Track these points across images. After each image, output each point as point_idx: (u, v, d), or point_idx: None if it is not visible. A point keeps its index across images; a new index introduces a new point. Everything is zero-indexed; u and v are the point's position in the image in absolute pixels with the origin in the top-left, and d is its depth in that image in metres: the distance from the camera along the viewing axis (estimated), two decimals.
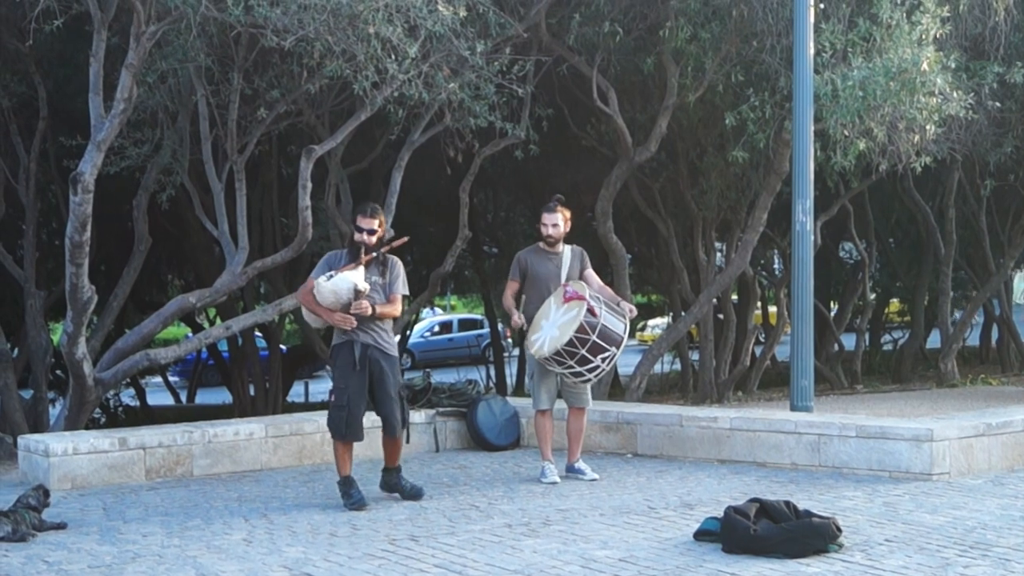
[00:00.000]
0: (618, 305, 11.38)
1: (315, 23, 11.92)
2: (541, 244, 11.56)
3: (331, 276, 10.23)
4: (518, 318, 11.50)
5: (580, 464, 11.55)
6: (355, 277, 10.20)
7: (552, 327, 11.05)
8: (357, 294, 10.17)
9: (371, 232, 10.35)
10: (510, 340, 30.81)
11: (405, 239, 11.23)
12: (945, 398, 17.71)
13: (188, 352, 14.96)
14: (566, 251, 11.54)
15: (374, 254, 10.35)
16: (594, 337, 10.90)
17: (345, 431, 10.36)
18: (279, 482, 11.64)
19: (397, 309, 10.58)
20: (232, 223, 14.49)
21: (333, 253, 10.76)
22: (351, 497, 10.28)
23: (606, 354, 11.03)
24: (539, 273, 11.41)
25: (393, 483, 10.61)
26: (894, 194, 22.84)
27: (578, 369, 11.05)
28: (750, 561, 8.18)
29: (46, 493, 9.94)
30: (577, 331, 10.85)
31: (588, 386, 11.54)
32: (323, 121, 15.86)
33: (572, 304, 11.11)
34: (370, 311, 10.20)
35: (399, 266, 10.58)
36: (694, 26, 14.62)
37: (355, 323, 10.23)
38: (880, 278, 28.33)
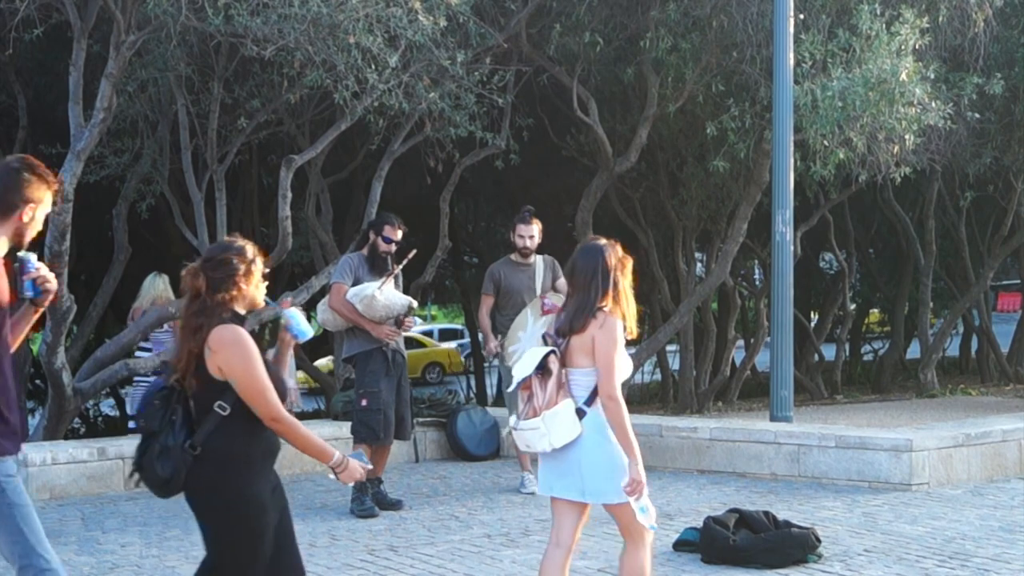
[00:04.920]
0: None
1: (295, 33, 11.92)
2: (513, 256, 11.57)
3: (369, 287, 10.30)
4: (494, 346, 11.50)
5: None
6: (396, 292, 10.45)
7: (531, 339, 11.04)
8: (410, 310, 10.48)
9: (396, 243, 10.57)
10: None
11: (415, 252, 11.35)
12: (925, 408, 17.74)
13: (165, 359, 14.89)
14: (538, 261, 11.57)
15: (400, 266, 10.55)
16: None
17: (383, 435, 10.46)
18: None
19: None
20: (212, 233, 14.47)
21: (350, 257, 10.80)
22: (364, 504, 10.30)
23: None
24: (513, 285, 11.42)
25: (374, 493, 10.61)
26: (874, 204, 22.89)
27: None
28: (729, 571, 8.19)
29: None
30: None
31: None
32: (303, 131, 15.86)
33: (551, 316, 11.09)
34: (413, 326, 10.60)
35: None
36: (674, 37, 14.63)
37: (401, 336, 10.57)
38: (860, 288, 28.37)
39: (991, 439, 11.77)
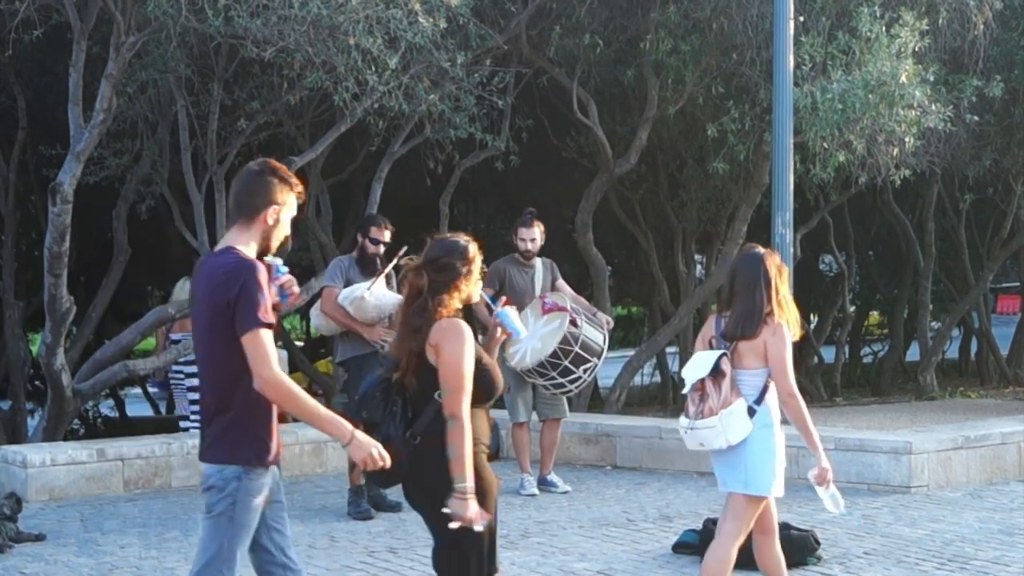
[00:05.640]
0: (595, 316, 11.41)
1: (295, 34, 11.91)
2: (517, 256, 11.57)
3: (358, 289, 10.24)
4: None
5: (552, 476, 11.56)
6: (388, 291, 10.35)
7: (533, 339, 11.05)
8: None
9: (384, 244, 10.52)
10: None
11: (405, 249, 11.33)
12: (924, 411, 17.73)
13: (167, 363, 14.91)
14: (538, 264, 11.59)
15: (391, 266, 10.48)
16: (576, 348, 10.92)
17: None
18: None
19: None
20: (212, 234, 14.46)
21: (340, 260, 10.79)
22: (360, 507, 10.29)
23: (587, 365, 11.05)
24: (516, 285, 11.43)
25: (372, 495, 10.60)
26: (874, 207, 22.87)
27: (560, 380, 11.06)
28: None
29: (18, 501, 9.91)
30: (561, 342, 10.87)
31: (564, 398, 11.56)
32: (303, 132, 15.85)
33: (553, 315, 11.11)
34: None
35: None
36: (674, 39, 14.63)
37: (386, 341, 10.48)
38: (860, 290, 28.35)
39: (990, 442, 11.78)
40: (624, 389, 17.34)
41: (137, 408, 31.17)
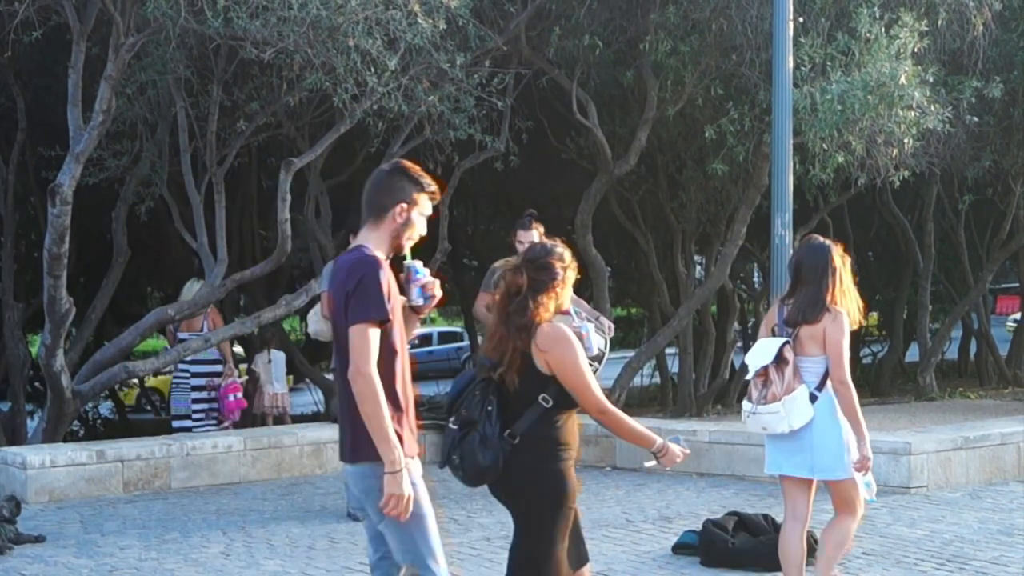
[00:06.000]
0: (597, 320, 11.39)
1: (295, 35, 11.91)
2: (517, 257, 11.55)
3: None
4: None
5: None
6: None
7: None
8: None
9: None
10: None
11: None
12: (923, 411, 17.74)
13: (166, 364, 14.92)
14: None
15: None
16: None
17: None
18: (257, 495, 11.62)
19: None
20: (211, 235, 14.47)
21: (331, 263, 10.66)
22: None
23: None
24: None
25: None
26: (873, 208, 22.88)
27: None
28: (728, 574, 8.20)
29: (18, 504, 9.91)
30: None
31: None
32: (303, 133, 15.85)
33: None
34: None
35: None
36: (674, 40, 14.63)
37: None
38: (859, 291, 28.35)
39: (990, 442, 11.78)
40: (624, 390, 17.34)
41: (137, 409, 31.20)
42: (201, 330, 14.94)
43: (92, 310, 16.59)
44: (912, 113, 13.59)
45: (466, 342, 31.08)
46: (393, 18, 12.13)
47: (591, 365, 11.02)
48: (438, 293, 5.67)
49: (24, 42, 12.80)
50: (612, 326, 11.66)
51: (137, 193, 15.68)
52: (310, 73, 12.66)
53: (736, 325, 22.48)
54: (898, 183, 15.49)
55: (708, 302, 20.22)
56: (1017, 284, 29.31)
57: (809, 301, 6.98)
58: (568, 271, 5.94)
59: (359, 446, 5.34)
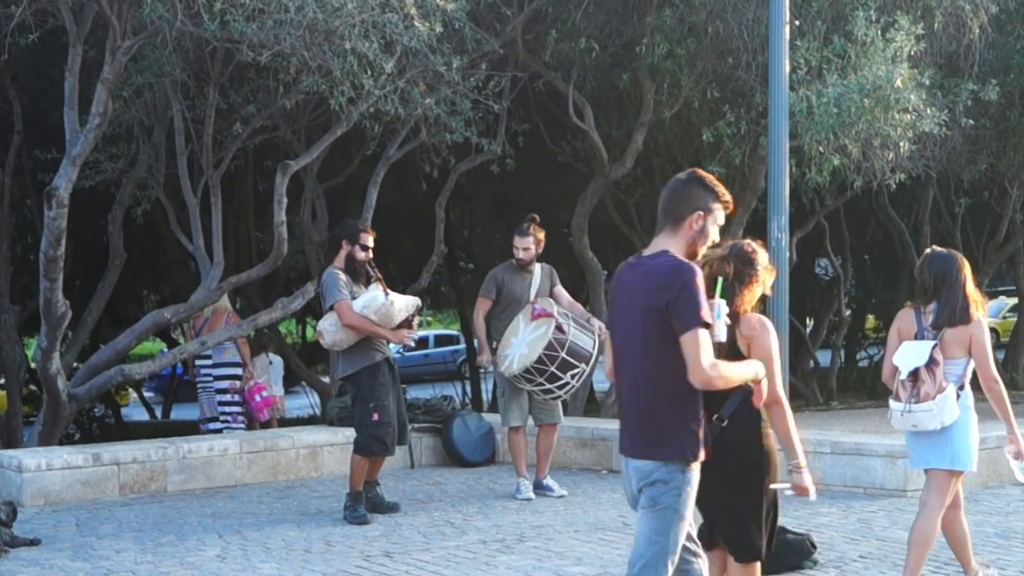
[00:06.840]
0: (588, 322, 11.40)
1: (291, 38, 11.91)
2: (514, 262, 11.58)
3: (377, 298, 10.27)
4: (487, 358, 11.57)
5: (548, 480, 11.56)
6: (398, 294, 10.52)
7: (521, 344, 11.07)
8: (418, 310, 10.73)
9: (371, 249, 10.57)
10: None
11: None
12: None
13: (163, 367, 14.93)
14: (537, 269, 11.58)
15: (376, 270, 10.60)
16: (563, 354, 10.92)
17: (391, 447, 10.53)
18: (253, 498, 11.61)
19: None
20: (207, 238, 14.46)
21: (336, 272, 10.38)
22: (356, 511, 10.28)
23: (575, 371, 11.05)
24: (514, 292, 11.44)
25: (370, 497, 10.60)
26: (869, 211, 22.90)
27: (548, 386, 11.07)
28: None
29: (14, 509, 9.90)
30: (546, 348, 10.88)
31: (559, 403, 11.55)
32: (299, 136, 15.84)
33: (540, 321, 11.12)
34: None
35: None
36: (670, 43, 14.63)
37: (414, 339, 10.74)
38: (856, 294, 28.38)
39: (986, 445, 11.69)
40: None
41: (133, 412, 31.24)
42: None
43: (88, 313, 16.58)
44: (908, 116, 13.60)
45: (462, 345, 31.05)
46: (389, 21, 12.13)
47: (580, 366, 11.08)
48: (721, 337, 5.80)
49: (20, 45, 12.79)
50: (603, 327, 11.66)
51: (133, 196, 15.68)
52: (306, 76, 12.66)
53: None
54: (894, 186, 15.51)
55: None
56: (1013, 287, 29.33)
57: (954, 307, 7.52)
58: (765, 272, 6.40)
59: (656, 443, 5.60)
